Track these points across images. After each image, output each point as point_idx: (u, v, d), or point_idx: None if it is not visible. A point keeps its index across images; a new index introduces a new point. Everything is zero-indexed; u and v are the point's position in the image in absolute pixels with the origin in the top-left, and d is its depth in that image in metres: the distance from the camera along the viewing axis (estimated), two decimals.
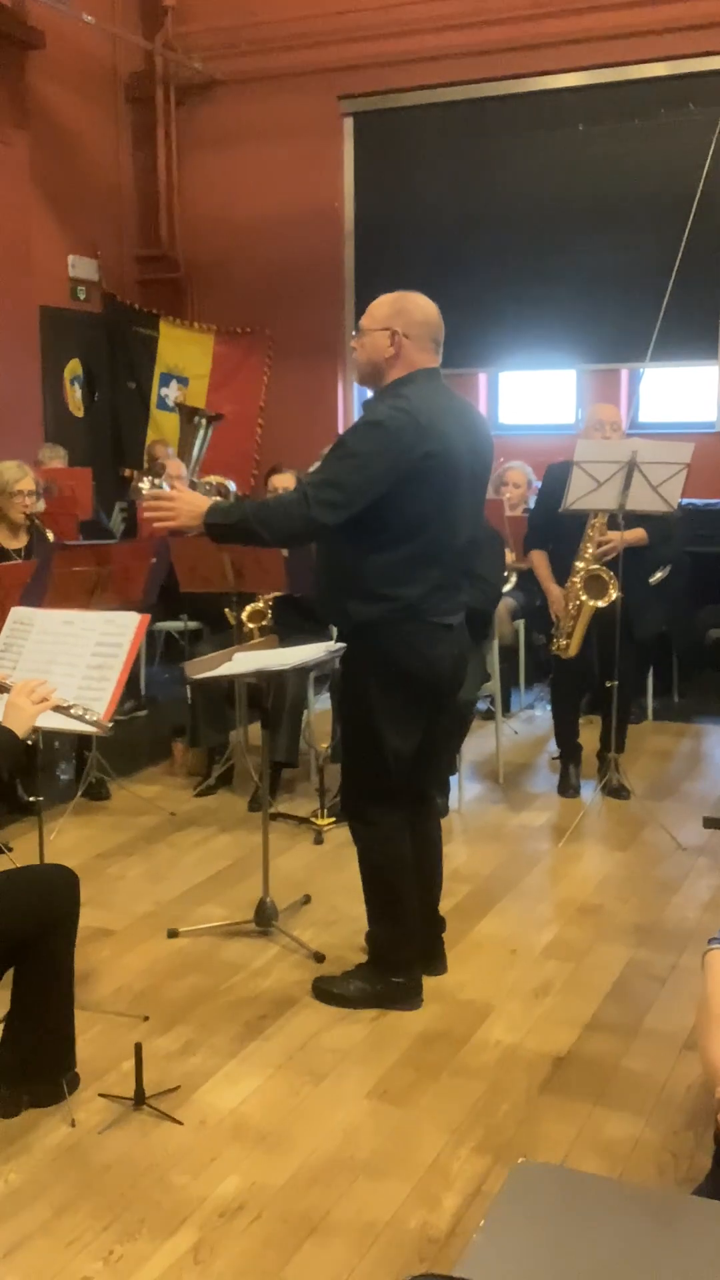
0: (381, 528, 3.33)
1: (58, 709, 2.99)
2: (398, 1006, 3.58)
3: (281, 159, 9.28)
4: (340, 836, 4.87)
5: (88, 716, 3.09)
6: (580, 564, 5.22)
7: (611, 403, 8.44)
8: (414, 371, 3.41)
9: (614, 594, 5.14)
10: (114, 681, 3.29)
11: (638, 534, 5.32)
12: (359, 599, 3.40)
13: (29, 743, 2.95)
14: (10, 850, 4.68)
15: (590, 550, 5.21)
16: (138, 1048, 3.05)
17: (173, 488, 3.72)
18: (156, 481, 8.63)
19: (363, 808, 3.60)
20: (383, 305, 3.45)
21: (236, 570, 5.19)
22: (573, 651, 5.31)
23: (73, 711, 3.05)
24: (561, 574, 5.40)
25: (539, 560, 5.54)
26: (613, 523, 5.15)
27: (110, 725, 3.21)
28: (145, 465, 8.99)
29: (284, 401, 9.46)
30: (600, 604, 5.19)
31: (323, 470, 3.34)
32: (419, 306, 3.44)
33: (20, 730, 2.86)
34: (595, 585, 5.21)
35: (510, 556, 5.71)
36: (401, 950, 3.62)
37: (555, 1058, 3.35)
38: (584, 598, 5.21)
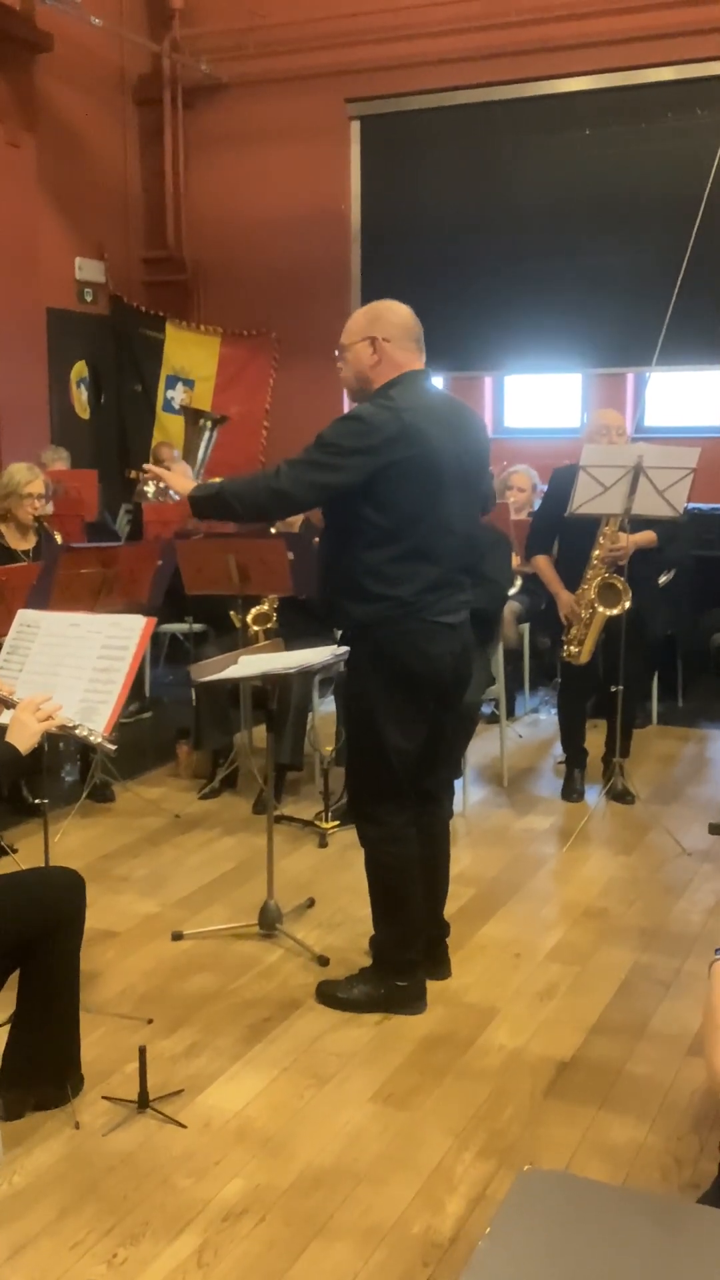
0: (370, 527, 3.35)
1: (63, 728, 3.00)
2: (402, 1010, 3.58)
3: (289, 162, 9.29)
4: (345, 839, 4.88)
5: (92, 737, 3.10)
6: (592, 573, 5.22)
7: (617, 407, 8.46)
8: (401, 374, 3.43)
9: (627, 604, 5.14)
10: (120, 685, 3.29)
11: (648, 536, 5.33)
12: (354, 599, 3.42)
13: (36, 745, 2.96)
14: (15, 852, 4.68)
15: (597, 554, 5.20)
16: (142, 1050, 3.06)
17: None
18: (161, 485, 8.64)
19: (369, 808, 3.60)
20: (358, 319, 3.48)
21: (242, 572, 5.19)
22: (584, 658, 5.31)
23: (78, 731, 3.06)
24: (565, 577, 5.39)
25: (544, 565, 5.53)
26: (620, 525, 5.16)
27: (114, 748, 3.21)
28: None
29: (290, 403, 9.46)
30: (614, 613, 5.19)
31: (299, 453, 3.37)
32: (393, 310, 3.47)
33: (23, 747, 2.87)
34: (609, 594, 5.20)
35: (515, 560, 5.71)
36: (405, 953, 3.62)
37: (559, 1062, 3.34)
38: (600, 608, 5.20)
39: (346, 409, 9.29)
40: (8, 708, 3.03)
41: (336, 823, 5.01)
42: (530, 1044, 3.44)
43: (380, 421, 3.29)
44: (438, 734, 3.62)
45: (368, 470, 3.28)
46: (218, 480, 3.56)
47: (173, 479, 3.67)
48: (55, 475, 7.42)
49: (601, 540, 5.20)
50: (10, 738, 2.88)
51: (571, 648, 5.31)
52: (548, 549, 5.54)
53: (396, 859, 3.60)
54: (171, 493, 8.07)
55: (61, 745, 5.76)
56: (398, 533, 3.35)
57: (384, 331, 3.42)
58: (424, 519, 3.36)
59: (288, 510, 3.65)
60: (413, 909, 3.63)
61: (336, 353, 3.54)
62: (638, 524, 5.20)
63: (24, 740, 2.87)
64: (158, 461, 8.80)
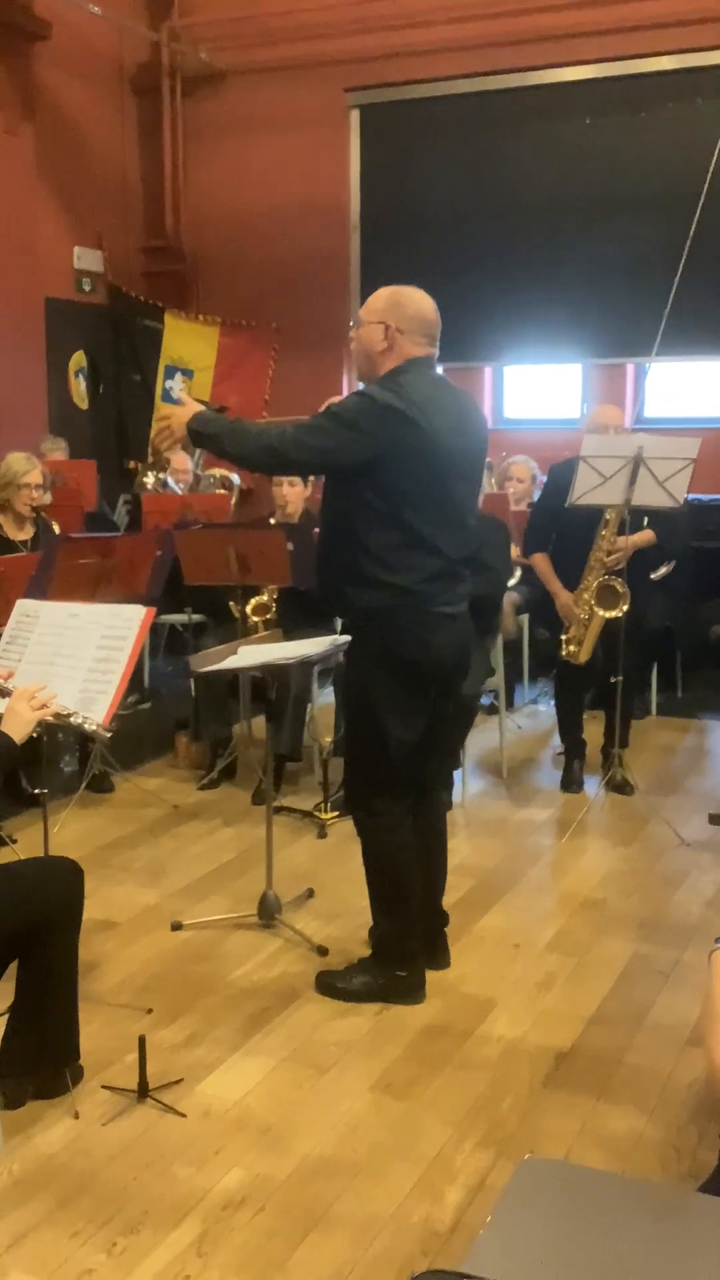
0: (373, 513, 3.35)
1: (58, 716, 3.00)
2: (401, 1000, 3.59)
3: (288, 151, 9.26)
4: (343, 830, 4.87)
5: (87, 725, 3.09)
6: (591, 577, 5.21)
7: (617, 397, 8.45)
8: (407, 361, 3.42)
9: (625, 606, 5.14)
10: (119, 675, 3.29)
11: (647, 536, 5.32)
12: (356, 586, 3.42)
13: (33, 735, 2.95)
14: (14, 842, 4.68)
15: (595, 556, 5.19)
16: (141, 1040, 3.06)
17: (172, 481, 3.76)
18: (160, 476, 8.61)
19: (366, 798, 3.61)
20: (379, 298, 3.47)
21: (241, 563, 5.19)
22: (583, 658, 5.31)
23: (73, 719, 3.05)
24: (563, 573, 5.38)
25: (542, 563, 5.51)
26: (619, 527, 5.14)
27: (109, 733, 3.20)
28: (149, 458, 8.97)
29: (289, 394, 9.42)
30: (612, 615, 5.18)
31: (309, 418, 3.37)
32: (414, 302, 3.46)
33: (18, 736, 2.86)
34: (608, 596, 5.20)
35: (514, 551, 5.71)
36: (404, 944, 3.63)
37: (558, 1052, 3.35)
38: (599, 610, 5.20)
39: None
40: (3, 696, 3.02)
41: (336, 813, 5.01)
42: (529, 1034, 3.44)
43: (388, 402, 3.29)
44: (436, 724, 3.62)
45: (369, 451, 3.28)
46: (218, 418, 3.45)
47: (175, 418, 3.48)
48: (53, 465, 7.40)
49: (601, 543, 5.18)
50: (5, 727, 2.87)
51: (570, 647, 5.31)
52: (546, 545, 5.53)
53: (394, 849, 3.60)
54: (171, 483, 8.07)
55: (60, 735, 5.76)
56: (401, 520, 3.34)
57: (399, 321, 3.41)
58: (427, 507, 3.36)
59: (282, 469, 3.77)
60: (411, 899, 3.63)
61: (352, 323, 3.54)
62: (636, 521, 5.18)
63: (19, 729, 2.87)
64: (155, 451, 8.78)
